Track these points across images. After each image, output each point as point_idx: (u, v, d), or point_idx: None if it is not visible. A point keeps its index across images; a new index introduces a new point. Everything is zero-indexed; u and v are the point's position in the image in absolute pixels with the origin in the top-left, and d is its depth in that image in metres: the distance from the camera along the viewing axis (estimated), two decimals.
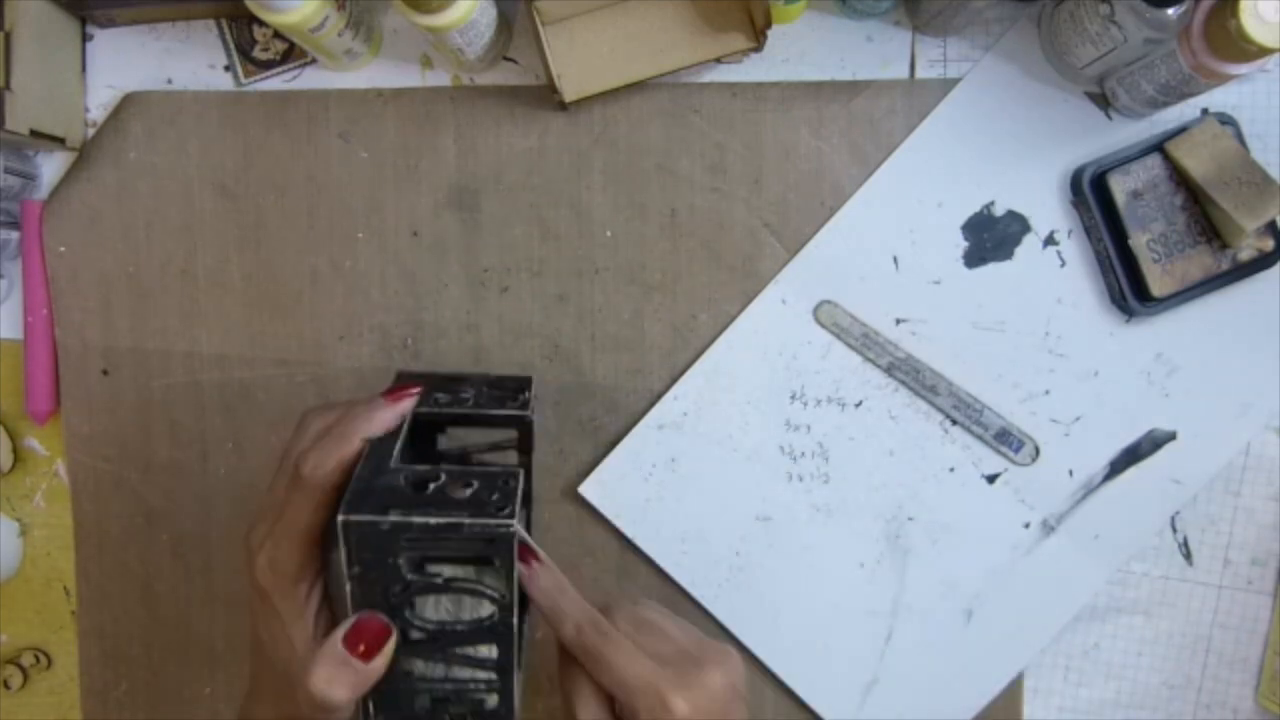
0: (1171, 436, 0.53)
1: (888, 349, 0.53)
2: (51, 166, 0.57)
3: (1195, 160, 0.50)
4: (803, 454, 0.54)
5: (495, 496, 0.36)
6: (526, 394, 0.44)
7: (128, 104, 0.56)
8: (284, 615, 0.39)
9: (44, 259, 0.56)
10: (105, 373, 0.57)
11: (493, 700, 0.39)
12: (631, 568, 0.55)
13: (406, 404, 0.41)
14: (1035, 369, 0.53)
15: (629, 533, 0.55)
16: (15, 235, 0.57)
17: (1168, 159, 0.51)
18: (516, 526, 0.36)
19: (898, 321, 0.54)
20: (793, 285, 0.54)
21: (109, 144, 0.56)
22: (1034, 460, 0.53)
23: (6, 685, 0.58)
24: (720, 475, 0.55)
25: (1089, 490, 0.53)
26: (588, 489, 0.55)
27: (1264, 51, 0.42)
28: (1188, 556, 0.54)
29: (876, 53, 0.54)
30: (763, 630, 0.54)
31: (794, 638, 0.54)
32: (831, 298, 0.54)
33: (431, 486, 0.37)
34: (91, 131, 0.57)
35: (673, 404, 0.55)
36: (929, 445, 0.54)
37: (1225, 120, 0.51)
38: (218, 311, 0.56)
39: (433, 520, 0.35)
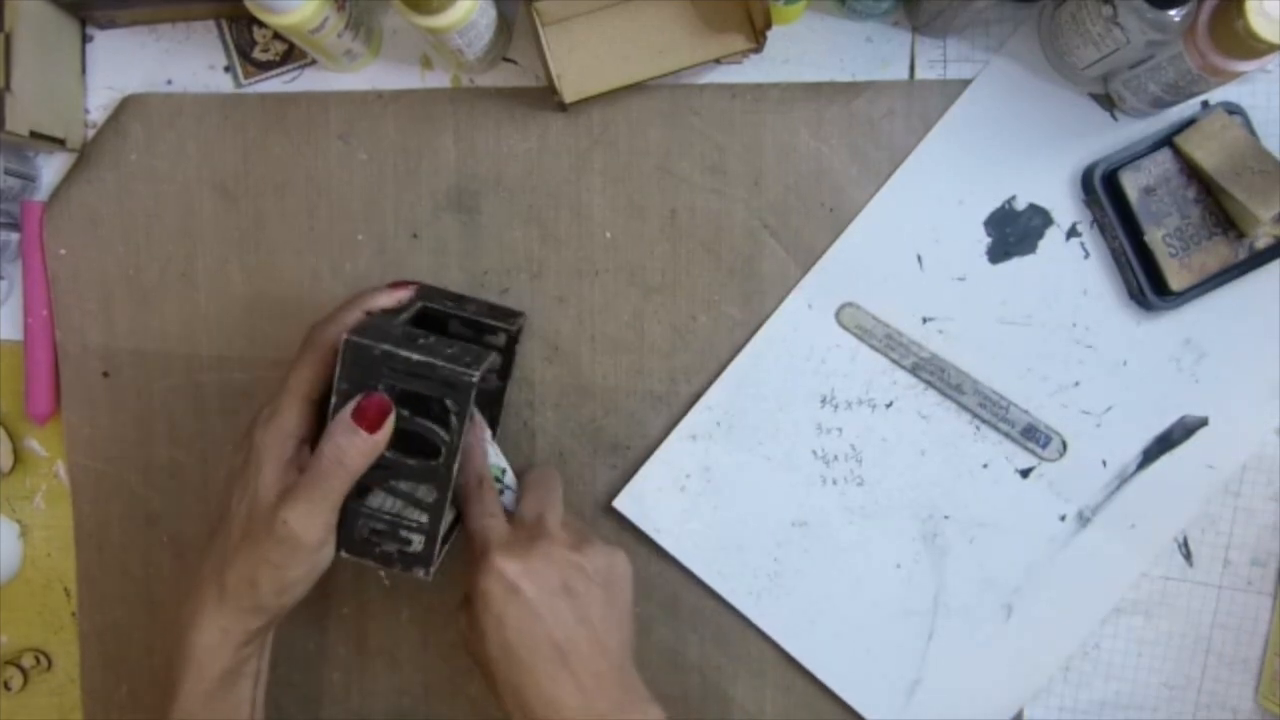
0: (1203, 422, 0.53)
1: (911, 349, 0.53)
2: (51, 168, 0.57)
3: (1205, 152, 0.50)
4: (836, 457, 0.54)
5: (469, 359, 0.44)
6: (518, 320, 0.53)
7: (127, 106, 0.56)
8: (268, 460, 0.44)
9: (44, 260, 0.56)
10: (105, 374, 0.57)
11: (418, 542, 0.46)
12: (668, 578, 0.55)
13: (404, 292, 0.49)
14: (1064, 361, 0.53)
15: (668, 546, 0.54)
16: (15, 237, 0.57)
17: (1178, 153, 0.51)
18: (477, 378, 0.43)
19: (924, 320, 0.54)
20: (817, 289, 0.54)
21: (109, 145, 0.56)
22: (1061, 455, 0.53)
23: (7, 686, 0.58)
24: (755, 482, 0.55)
25: (1123, 480, 0.53)
26: (622, 503, 0.55)
27: (1273, 48, 0.42)
28: (1188, 557, 0.54)
29: (876, 53, 0.54)
30: (804, 635, 0.55)
31: (835, 641, 0.55)
32: (855, 300, 0.54)
33: (421, 341, 0.44)
34: (91, 133, 0.57)
35: (705, 414, 0.54)
36: (961, 443, 0.54)
37: (1233, 110, 0.51)
38: (218, 313, 0.56)
39: (414, 356, 0.43)
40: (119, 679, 0.58)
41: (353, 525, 0.46)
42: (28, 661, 0.59)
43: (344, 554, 0.46)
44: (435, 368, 0.43)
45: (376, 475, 0.45)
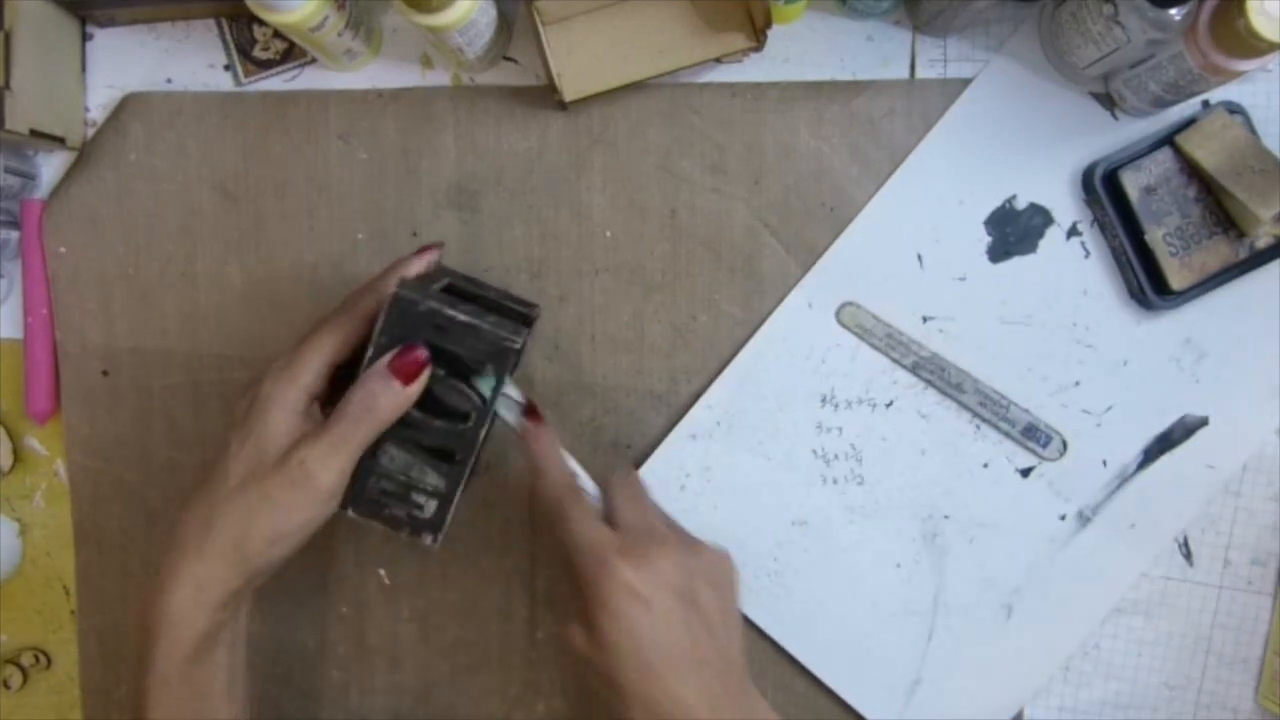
0: (1204, 422, 0.53)
1: (912, 348, 0.53)
2: (51, 166, 0.57)
3: (1206, 152, 0.50)
4: (836, 457, 0.54)
5: (510, 327, 0.44)
6: (535, 310, 0.53)
7: (128, 104, 0.56)
8: (278, 408, 0.43)
9: (44, 259, 0.56)
10: (105, 373, 0.57)
11: (430, 507, 0.46)
12: None
13: (432, 254, 0.48)
14: (1064, 360, 0.53)
15: None
16: (15, 235, 0.56)
17: (1178, 152, 0.51)
18: (519, 345, 0.43)
19: (924, 319, 0.54)
20: (818, 288, 0.54)
21: (109, 144, 0.56)
22: (1061, 455, 0.53)
23: (6, 685, 0.58)
24: (755, 482, 0.55)
25: (1123, 479, 0.53)
26: None
27: (1274, 47, 0.42)
28: (1188, 557, 0.54)
29: (877, 52, 0.54)
30: (804, 634, 0.55)
31: (835, 641, 0.55)
32: (855, 299, 0.54)
33: (463, 305, 0.44)
34: (91, 131, 0.57)
35: (705, 413, 0.54)
36: (961, 442, 0.54)
37: (1234, 109, 0.51)
38: (217, 312, 0.56)
39: (460, 316, 0.43)
40: (118, 678, 0.58)
41: (364, 482, 0.45)
42: (27, 660, 0.59)
43: (350, 512, 0.45)
44: (479, 330, 0.43)
45: (397, 434, 0.45)
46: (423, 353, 0.43)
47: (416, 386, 0.43)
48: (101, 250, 0.56)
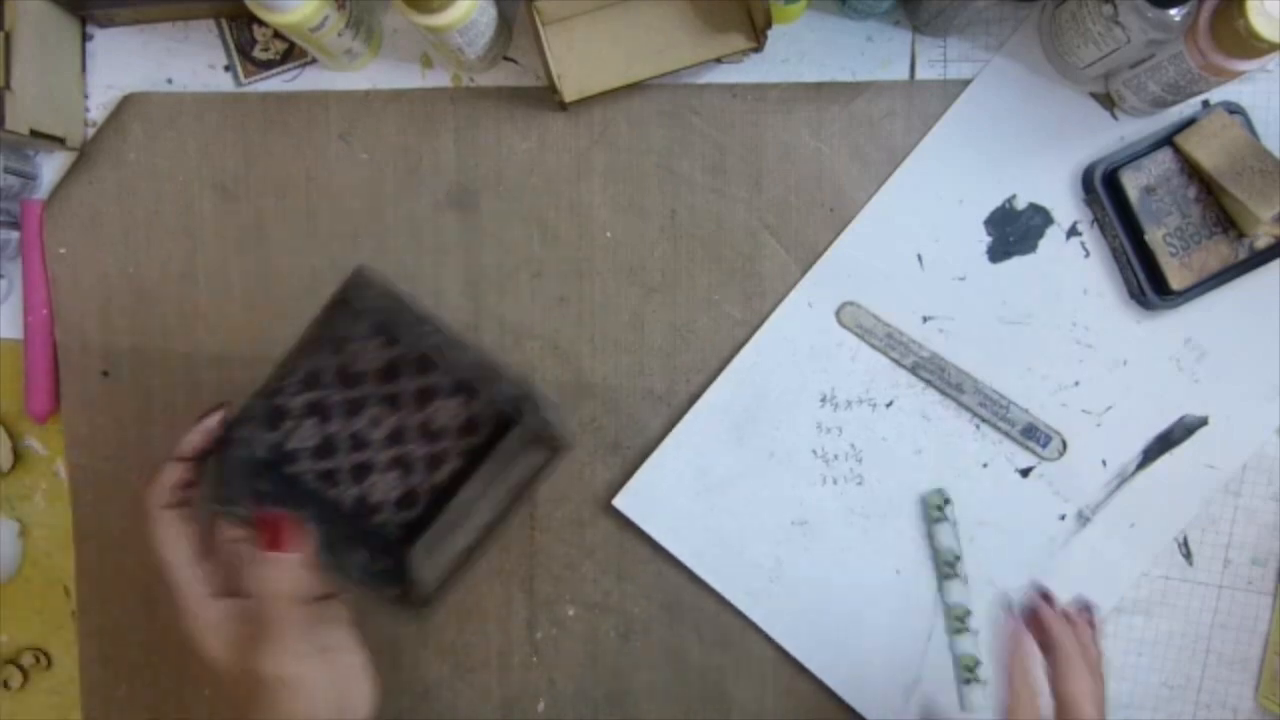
0: (1203, 422, 0.53)
1: (911, 348, 0.53)
2: (52, 166, 0.57)
3: (1206, 152, 0.50)
4: (835, 456, 0.54)
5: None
6: (552, 431, 0.44)
7: (128, 104, 0.56)
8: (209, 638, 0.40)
9: (44, 259, 0.56)
10: (105, 373, 0.57)
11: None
12: (668, 578, 0.55)
13: (213, 419, 0.43)
14: (1064, 360, 0.53)
15: (666, 544, 0.54)
16: (15, 235, 0.56)
17: (1178, 152, 0.51)
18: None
19: (925, 319, 0.54)
20: (818, 288, 0.54)
21: (109, 144, 0.56)
22: (1061, 455, 0.53)
23: (7, 685, 0.58)
24: (755, 482, 0.55)
25: (1123, 479, 0.53)
26: (622, 502, 0.55)
27: (1273, 47, 0.43)
28: (1188, 557, 0.54)
29: (876, 53, 0.54)
30: (804, 634, 0.55)
31: (835, 640, 0.55)
32: (856, 299, 0.54)
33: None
34: (91, 131, 0.57)
35: (705, 413, 0.54)
36: (961, 442, 0.54)
37: (1233, 110, 0.51)
38: (217, 313, 0.56)
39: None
40: (118, 678, 0.58)
41: (347, 567, 0.42)
42: (28, 660, 0.59)
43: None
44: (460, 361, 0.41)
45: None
46: (278, 515, 0.39)
47: (299, 548, 0.39)
48: (101, 250, 0.56)
